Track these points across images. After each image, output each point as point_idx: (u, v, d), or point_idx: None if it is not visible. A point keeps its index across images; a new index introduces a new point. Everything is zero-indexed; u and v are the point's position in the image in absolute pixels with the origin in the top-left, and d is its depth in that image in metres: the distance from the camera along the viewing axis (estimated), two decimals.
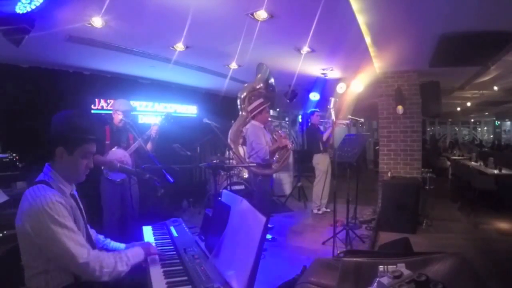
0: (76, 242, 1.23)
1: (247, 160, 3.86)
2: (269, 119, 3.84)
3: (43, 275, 1.25)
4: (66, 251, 1.20)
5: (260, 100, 3.71)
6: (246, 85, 4.18)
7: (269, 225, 4.18)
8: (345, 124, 5.15)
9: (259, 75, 4.05)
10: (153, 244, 1.70)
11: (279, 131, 4.08)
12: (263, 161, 3.52)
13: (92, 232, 1.67)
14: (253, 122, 3.68)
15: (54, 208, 1.21)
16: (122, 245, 1.70)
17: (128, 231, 3.08)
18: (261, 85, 3.95)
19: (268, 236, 3.88)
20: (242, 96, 3.98)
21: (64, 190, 1.36)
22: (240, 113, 4.10)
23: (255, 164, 3.51)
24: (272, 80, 4.01)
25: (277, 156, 3.86)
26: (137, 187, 3.35)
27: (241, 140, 4.65)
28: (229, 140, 4.15)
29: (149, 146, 3.37)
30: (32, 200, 1.22)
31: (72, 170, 1.38)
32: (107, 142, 3.18)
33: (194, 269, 1.37)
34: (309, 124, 5.41)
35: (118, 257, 1.34)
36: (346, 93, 5.29)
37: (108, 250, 1.65)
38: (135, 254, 1.42)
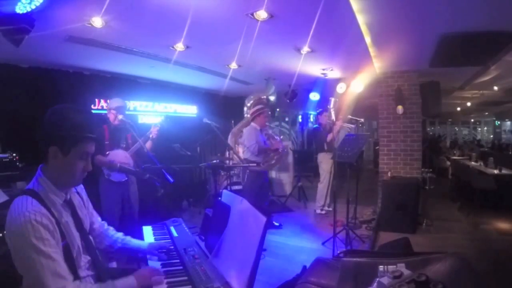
0: (53, 272, 1.07)
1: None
2: (267, 123, 4.17)
3: None
4: (39, 280, 1.06)
5: (261, 106, 4.15)
6: (254, 95, 4.75)
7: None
8: (350, 128, 5.15)
9: (268, 90, 4.65)
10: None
11: (276, 137, 4.32)
12: (251, 156, 3.98)
13: (107, 230, 1.60)
14: (252, 124, 4.09)
15: (32, 230, 1.07)
16: (144, 243, 1.62)
17: (128, 232, 3.08)
18: (265, 96, 4.56)
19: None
20: (249, 103, 4.55)
21: (54, 201, 1.21)
22: (245, 115, 4.62)
23: (255, 165, 3.83)
24: (272, 98, 4.47)
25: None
26: (136, 187, 3.35)
27: (239, 140, 4.90)
28: (229, 140, 4.52)
29: (148, 144, 3.36)
30: (14, 216, 1.10)
31: (68, 173, 1.23)
32: (106, 142, 3.16)
33: (194, 269, 1.37)
34: (317, 123, 5.42)
35: None
36: (346, 93, 5.29)
37: (128, 248, 1.60)
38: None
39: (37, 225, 1.08)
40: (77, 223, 1.31)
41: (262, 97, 4.54)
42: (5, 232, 1.14)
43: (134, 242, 1.62)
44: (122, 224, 3.17)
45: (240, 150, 5.28)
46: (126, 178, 3.21)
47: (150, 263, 1.54)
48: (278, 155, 4.17)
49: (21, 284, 1.23)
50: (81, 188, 1.47)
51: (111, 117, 3.24)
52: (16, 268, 1.16)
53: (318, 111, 5.47)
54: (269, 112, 4.30)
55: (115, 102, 3.27)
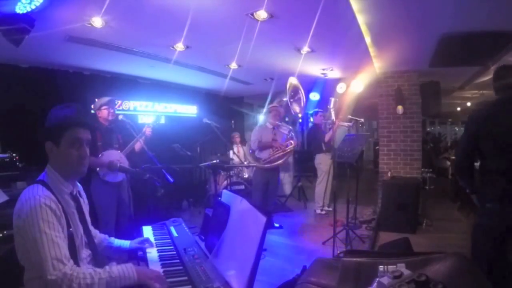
0: (52, 254, 1.11)
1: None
2: (277, 122, 4.08)
3: (42, 281, 1.14)
4: (39, 261, 1.11)
5: (273, 104, 4.10)
6: (278, 98, 4.65)
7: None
8: (347, 126, 5.15)
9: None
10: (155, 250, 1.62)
11: (291, 134, 4.18)
12: (257, 153, 4.01)
13: (95, 232, 1.62)
14: (267, 123, 4.10)
15: (40, 213, 1.14)
16: (126, 242, 1.67)
17: (126, 232, 3.06)
18: (284, 99, 4.45)
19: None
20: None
21: (61, 191, 1.29)
22: None
23: (255, 164, 3.90)
24: (284, 99, 4.48)
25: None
26: (129, 187, 3.32)
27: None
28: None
29: (138, 145, 3.31)
30: (23, 201, 1.18)
31: (65, 164, 1.30)
32: (99, 143, 3.07)
33: (194, 269, 1.37)
34: (312, 124, 5.41)
35: (98, 278, 1.15)
36: (346, 93, 5.29)
37: (112, 248, 1.64)
38: (124, 275, 1.20)
39: (45, 208, 1.16)
40: (81, 217, 1.38)
41: (284, 99, 4.50)
42: (13, 219, 1.20)
43: (116, 241, 1.68)
44: (118, 224, 3.14)
45: (241, 150, 5.33)
46: (122, 179, 3.18)
47: (149, 255, 1.56)
48: (281, 153, 4.11)
49: (22, 285, 1.23)
50: (82, 191, 1.52)
51: (103, 114, 3.14)
52: (19, 260, 1.20)
53: (312, 112, 5.45)
54: (282, 110, 4.21)
55: (103, 98, 3.18)
